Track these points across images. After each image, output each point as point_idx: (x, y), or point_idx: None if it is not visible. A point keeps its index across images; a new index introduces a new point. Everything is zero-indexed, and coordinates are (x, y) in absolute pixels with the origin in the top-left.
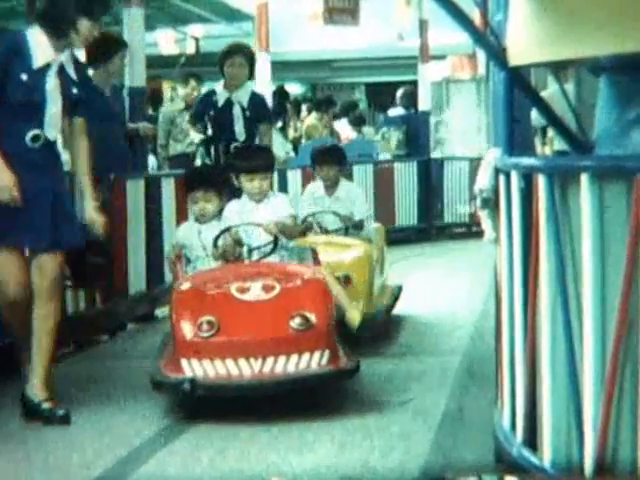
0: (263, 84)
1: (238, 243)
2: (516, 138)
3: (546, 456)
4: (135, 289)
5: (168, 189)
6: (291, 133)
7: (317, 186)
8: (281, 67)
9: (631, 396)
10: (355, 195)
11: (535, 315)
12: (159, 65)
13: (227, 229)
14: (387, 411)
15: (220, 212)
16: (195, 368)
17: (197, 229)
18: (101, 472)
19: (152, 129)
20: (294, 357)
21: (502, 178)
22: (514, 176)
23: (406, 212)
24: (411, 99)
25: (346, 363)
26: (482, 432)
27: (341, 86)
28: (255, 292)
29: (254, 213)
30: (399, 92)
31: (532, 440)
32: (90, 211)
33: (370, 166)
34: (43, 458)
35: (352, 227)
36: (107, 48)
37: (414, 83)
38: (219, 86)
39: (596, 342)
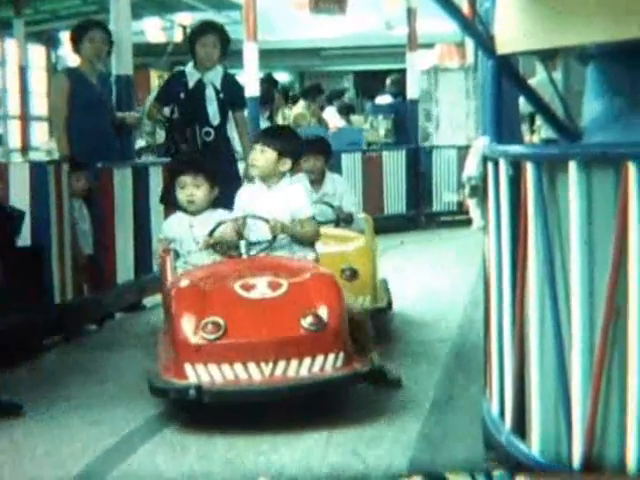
0: (251, 72)
1: (239, 235)
2: (504, 126)
3: (535, 445)
4: (123, 278)
5: (156, 177)
6: (279, 121)
7: (304, 182)
8: (269, 55)
9: (619, 385)
10: (343, 188)
11: (523, 303)
12: (146, 54)
13: (220, 223)
14: (375, 400)
15: (214, 203)
16: (200, 373)
17: (188, 222)
18: (89, 462)
19: (137, 119)
20: (307, 360)
21: (490, 166)
22: (502, 164)
23: (395, 200)
24: (399, 87)
25: (361, 365)
26: (471, 420)
27: (329, 74)
28: (261, 289)
29: (264, 200)
30: (388, 80)
31: (521, 428)
32: None
33: (358, 155)
34: (31, 448)
35: (342, 220)
36: (75, 34)
37: (403, 72)
38: (188, 67)
39: (584, 330)
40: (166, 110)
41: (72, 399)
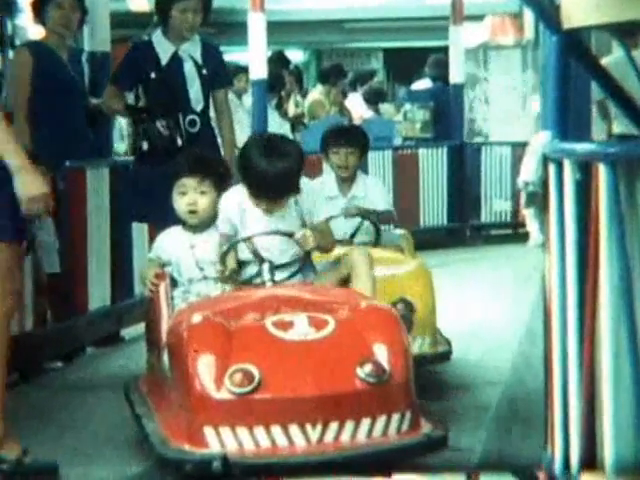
0: (257, 50)
1: (257, 257)
2: (571, 118)
3: None
4: (97, 304)
5: None
6: (291, 110)
7: (328, 183)
8: (279, 29)
9: None
10: (374, 186)
11: (594, 340)
12: (127, 25)
13: (238, 241)
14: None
15: (215, 218)
16: (226, 439)
17: (189, 241)
18: None
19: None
20: (366, 422)
21: (552, 168)
22: (567, 165)
23: (433, 210)
24: (441, 69)
25: (432, 428)
26: None
27: (354, 53)
28: (301, 328)
29: (265, 223)
30: (429, 60)
31: None
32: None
33: (389, 152)
34: None
35: (377, 222)
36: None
37: (444, 50)
38: (156, 36)
39: None
40: (129, 96)
41: (30, 454)
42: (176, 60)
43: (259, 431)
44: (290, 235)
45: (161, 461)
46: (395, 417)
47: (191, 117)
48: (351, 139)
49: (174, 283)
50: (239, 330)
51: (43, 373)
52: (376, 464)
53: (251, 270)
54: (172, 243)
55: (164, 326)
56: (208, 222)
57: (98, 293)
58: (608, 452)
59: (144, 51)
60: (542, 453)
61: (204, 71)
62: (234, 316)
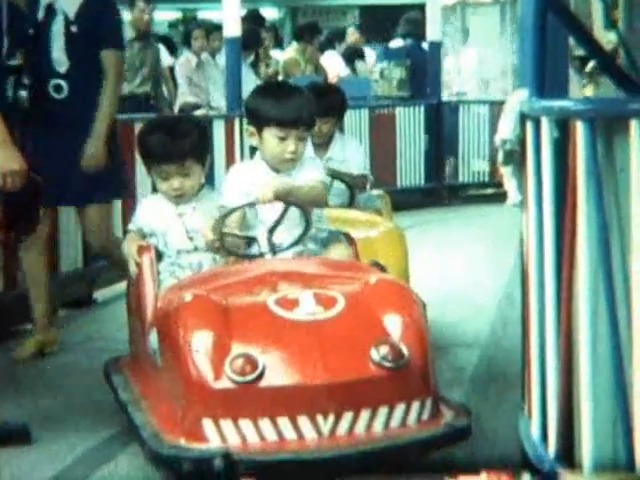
0: (231, 8)
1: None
2: (548, 76)
3: (587, 474)
4: (68, 266)
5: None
6: (262, 70)
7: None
8: None
9: None
10: (351, 149)
11: (571, 298)
12: None
13: (232, 210)
14: None
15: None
16: (227, 433)
17: (176, 209)
18: None
19: None
20: (382, 411)
21: (530, 126)
22: (545, 123)
23: (410, 170)
24: (413, 26)
25: (454, 417)
26: (505, 444)
27: (329, 10)
28: (307, 307)
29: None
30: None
31: (569, 454)
32: None
33: (365, 111)
34: None
35: (351, 185)
36: None
37: (421, 7)
38: None
39: None
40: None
41: None
42: (49, 14)
43: (264, 423)
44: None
45: (154, 458)
46: (415, 405)
47: (56, 81)
48: (327, 107)
49: (159, 256)
50: (238, 310)
51: (13, 337)
52: (395, 458)
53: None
54: (156, 212)
55: (150, 304)
56: (196, 193)
57: (69, 254)
58: (585, 412)
59: (32, 6)
60: (519, 414)
61: (73, 28)
62: (231, 293)
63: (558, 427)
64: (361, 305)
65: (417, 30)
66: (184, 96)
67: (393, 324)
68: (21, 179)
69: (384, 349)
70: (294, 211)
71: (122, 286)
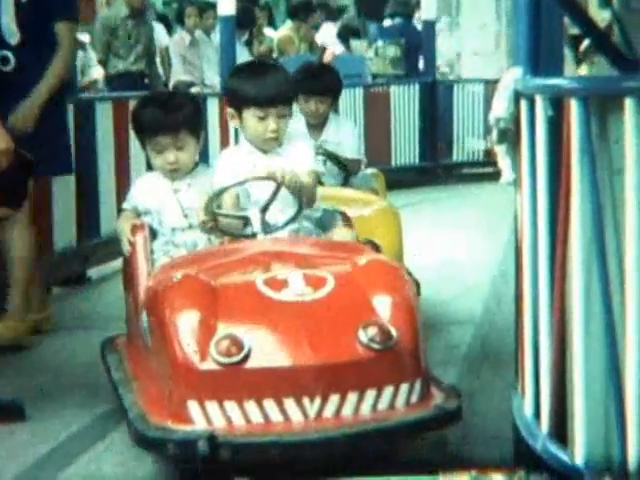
0: None
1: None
2: (542, 54)
3: (578, 452)
4: (62, 244)
5: (104, 116)
6: (256, 48)
7: (297, 125)
8: None
9: None
10: (346, 131)
11: (565, 277)
12: None
13: (225, 189)
14: None
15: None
16: (213, 416)
17: (171, 186)
18: (17, 474)
19: (80, 43)
20: (370, 393)
21: (524, 104)
22: (539, 101)
23: (405, 148)
24: (401, 6)
25: (444, 398)
26: (499, 423)
27: None
28: (296, 287)
29: (260, 168)
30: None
31: (561, 432)
32: None
33: (360, 90)
34: None
35: (346, 167)
36: None
37: None
38: None
39: None
40: None
41: None
42: None
43: (250, 406)
44: (273, 179)
45: (139, 440)
46: (403, 387)
47: (3, 53)
48: (323, 88)
49: (153, 234)
50: (226, 290)
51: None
52: (383, 441)
53: (239, 222)
54: (151, 190)
55: (143, 283)
56: (191, 168)
57: (63, 232)
58: (578, 389)
59: None
60: (512, 392)
61: None
62: (220, 273)
63: (551, 405)
64: (351, 286)
65: (406, 10)
66: (178, 74)
67: (383, 305)
68: (8, 158)
69: (372, 330)
70: (285, 190)
71: (116, 264)
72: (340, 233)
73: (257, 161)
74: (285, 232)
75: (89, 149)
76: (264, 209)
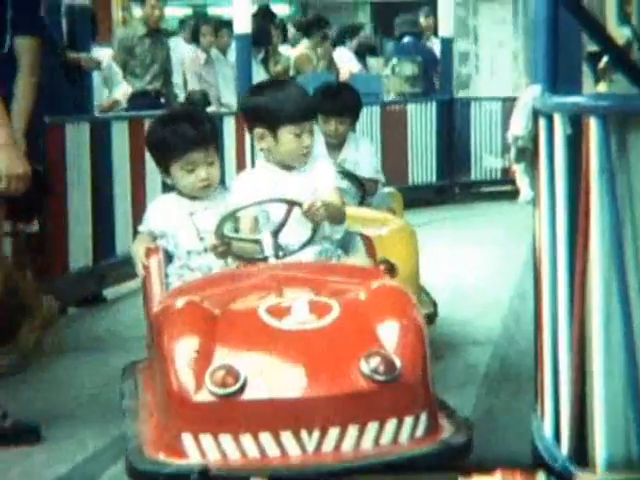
0: (241, 4)
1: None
2: (561, 71)
3: (599, 474)
4: (78, 264)
5: (121, 136)
6: (272, 66)
7: (316, 145)
8: None
9: None
10: (364, 151)
11: (584, 295)
12: None
13: (237, 210)
14: None
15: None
16: (207, 448)
17: (187, 208)
18: None
19: (96, 62)
20: (372, 427)
21: (543, 122)
22: (558, 119)
23: (422, 167)
24: (411, 26)
25: (453, 432)
26: (518, 442)
27: (340, 6)
28: (299, 315)
29: (282, 187)
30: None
31: (582, 453)
32: None
33: (376, 108)
34: None
35: (363, 187)
36: None
37: (433, 2)
38: None
39: None
40: None
41: (6, 417)
42: None
43: (246, 439)
44: (298, 204)
45: (132, 473)
46: (408, 421)
47: None
48: (343, 107)
49: (169, 258)
50: (227, 317)
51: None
52: (384, 477)
53: (254, 246)
54: (166, 212)
55: (155, 308)
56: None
57: (79, 252)
58: (598, 411)
59: None
60: (532, 413)
61: None
62: (224, 300)
63: (571, 426)
64: (357, 313)
65: (413, 29)
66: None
67: (388, 334)
68: (25, 183)
69: (375, 361)
70: (299, 212)
71: (132, 284)
72: (359, 257)
73: (279, 180)
74: (305, 254)
75: (105, 169)
76: (276, 232)
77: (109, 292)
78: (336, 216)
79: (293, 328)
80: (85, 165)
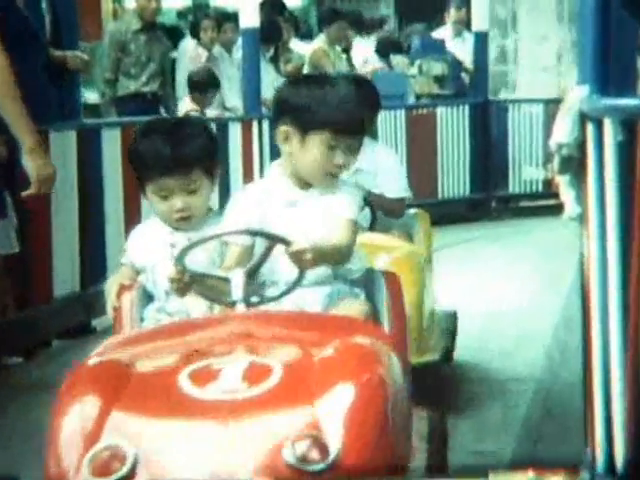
0: None
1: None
2: (612, 70)
3: None
4: (63, 291)
5: (112, 144)
6: (283, 65)
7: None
8: None
9: None
10: (386, 162)
11: (639, 326)
12: None
13: (203, 241)
14: None
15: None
16: None
17: (168, 239)
18: None
19: (84, 61)
20: None
21: (591, 127)
22: (608, 124)
23: (453, 178)
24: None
25: None
26: None
27: None
28: (227, 382)
29: (286, 212)
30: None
31: None
32: None
33: (401, 112)
34: None
35: (385, 213)
36: None
37: None
38: None
39: None
40: None
41: None
42: None
43: None
44: (285, 243)
45: None
46: None
47: None
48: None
49: (149, 298)
50: (140, 384)
51: (1, 370)
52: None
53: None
54: (145, 243)
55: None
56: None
57: (65, 277)
58: None
59: None
60: (582, 459)
61: None
62: (152, 359)
63: (628, 471)
64: (300, 380)
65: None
66: (188, 102)
67: (331, 407)
68: (53, 183)
69: (302, 446)
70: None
71: None
72: (348, 308)
73: (287, 200)
74: (313, 294)
75: (94, 182)
76: (252, 272)
77: (98, 322)
78: (335, 259)
79: (214, 398)
80: (71, 178)
